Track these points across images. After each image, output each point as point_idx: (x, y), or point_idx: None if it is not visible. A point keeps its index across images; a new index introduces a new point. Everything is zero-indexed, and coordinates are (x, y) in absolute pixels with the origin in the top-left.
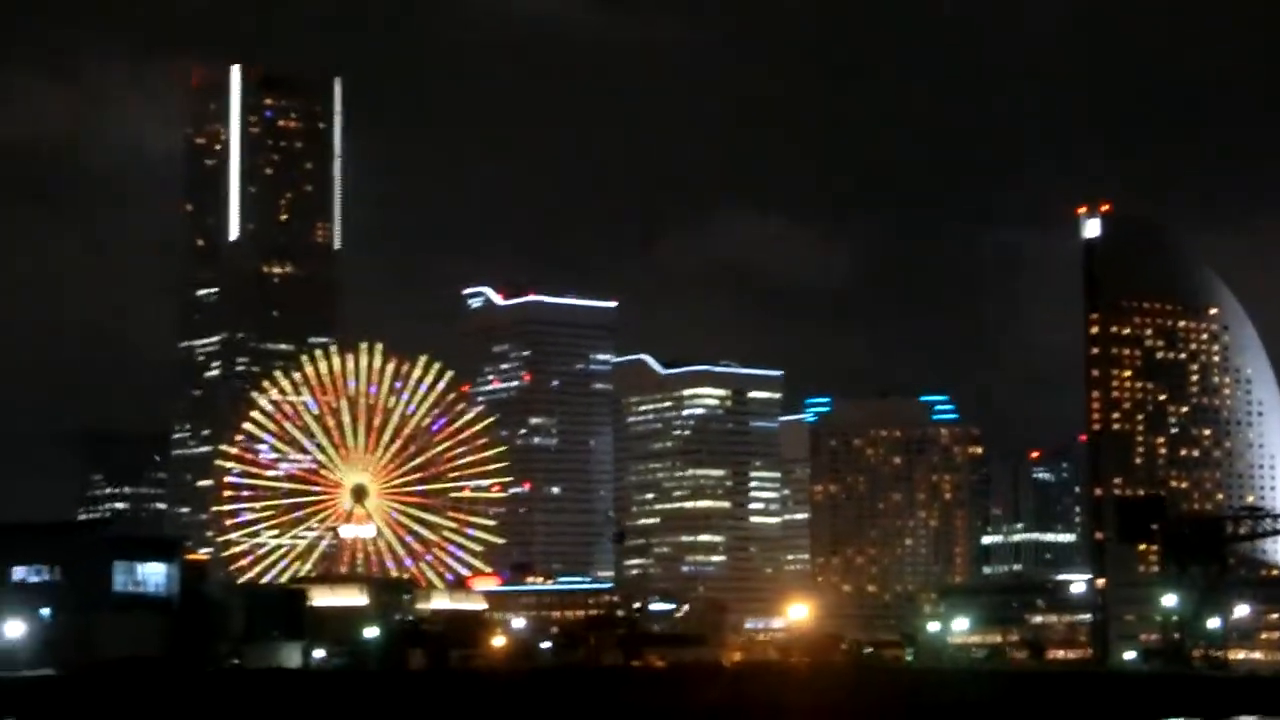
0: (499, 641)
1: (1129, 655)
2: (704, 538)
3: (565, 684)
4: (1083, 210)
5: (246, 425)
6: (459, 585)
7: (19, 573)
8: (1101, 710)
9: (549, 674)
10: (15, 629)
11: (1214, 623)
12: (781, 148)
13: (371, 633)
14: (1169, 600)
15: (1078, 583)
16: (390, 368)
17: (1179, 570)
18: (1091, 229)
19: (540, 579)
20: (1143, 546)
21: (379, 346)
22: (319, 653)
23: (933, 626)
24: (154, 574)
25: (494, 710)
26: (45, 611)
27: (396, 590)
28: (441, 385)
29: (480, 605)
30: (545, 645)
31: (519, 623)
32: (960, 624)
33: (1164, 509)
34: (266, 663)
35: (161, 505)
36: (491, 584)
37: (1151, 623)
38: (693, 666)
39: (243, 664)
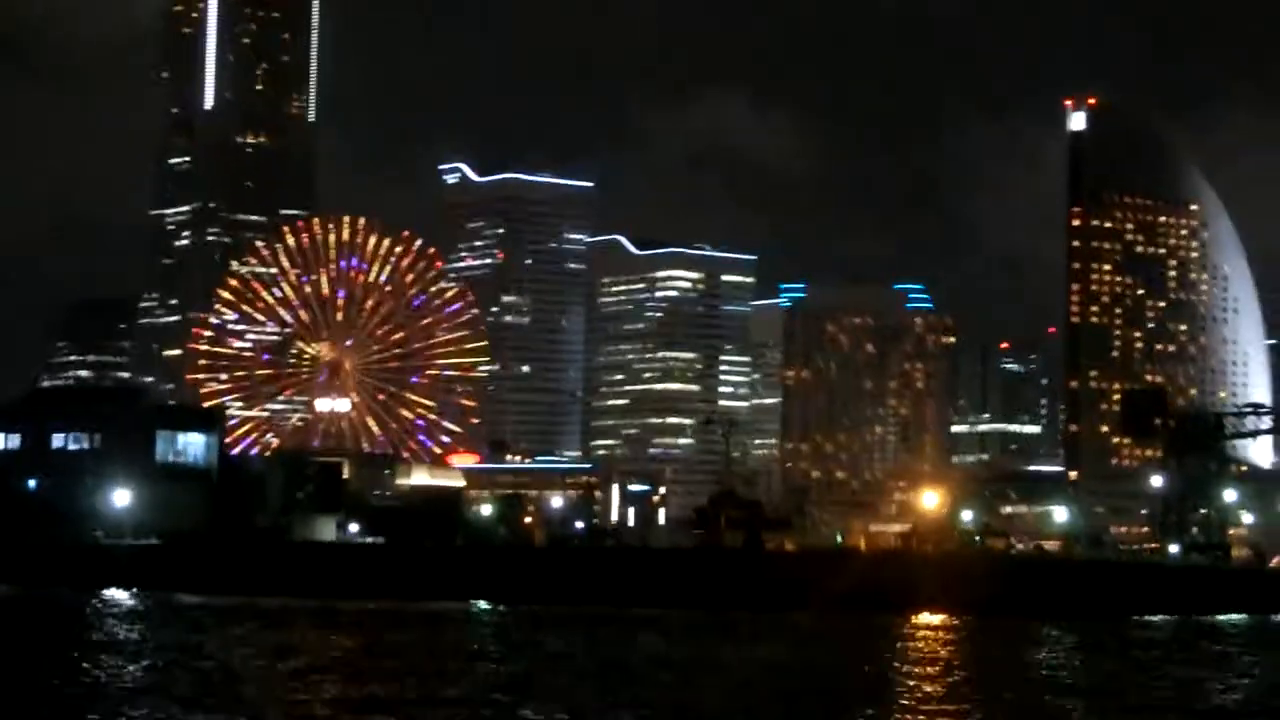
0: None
1: (1173, 549)
2: (672, 420)
3: (723, 563)
4: (1068, 103)
5: (221, 294)
6: (438, 462)
7: (58, 440)
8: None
9: (693, 553)
10: (123, 498)
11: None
12: (765, 31)
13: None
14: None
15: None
16: (371, 242)
17: (1177, 463)
18: (1077, 122)
19: (518, 458)
20: (1115, 440)
21: (360, 221)
22: (353, 526)
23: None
24: (194, 444)
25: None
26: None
27: (377, 465)
28: (421, 262)
29: (460, 482)
30: (579, 525)
31: (557, 501)
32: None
33: (1166, 402)
34: (304, 536)
35: (126, 374)
36: (470, 461)
37: (1126, 515)
38: (826, 552)
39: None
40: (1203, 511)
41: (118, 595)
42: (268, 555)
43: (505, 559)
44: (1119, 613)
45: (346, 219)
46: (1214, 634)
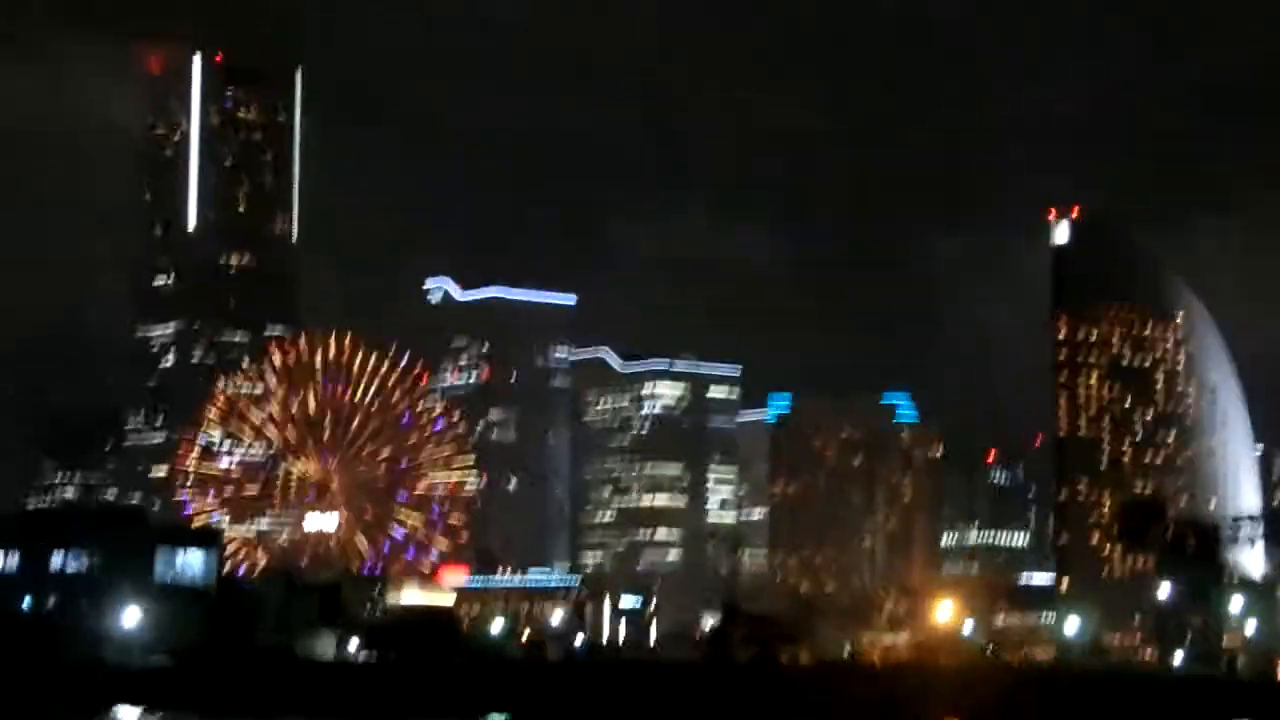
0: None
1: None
2: (660, 534)
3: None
4: (1052, 215)
5: (208, 414)
6: (428, 578)
7: (57, 559)
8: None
9: (711, 668)
10: (133, 617)
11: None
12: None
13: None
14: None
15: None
16: (357, 360)
17: (1174, 572)
18: (1060, 234)
19: (507, 572)
20: (1105, 552)
21: (346, 338)
22: (353, 643)
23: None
24: (192, 563)
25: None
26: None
27: (369, 584)
28: (407, 379)
29: (451, 599)
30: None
31: (555, 616)
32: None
33: (1164, 512)
34: (303, 653)
35: (112, 493)
36: (460, 577)
37: (1116, 624)
38: (840, 665)
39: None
40: (1197, 620)
41: (127, 715)
42: (279, 674)
43: (522, 674)
44: None
45: (333, 337)
46: None
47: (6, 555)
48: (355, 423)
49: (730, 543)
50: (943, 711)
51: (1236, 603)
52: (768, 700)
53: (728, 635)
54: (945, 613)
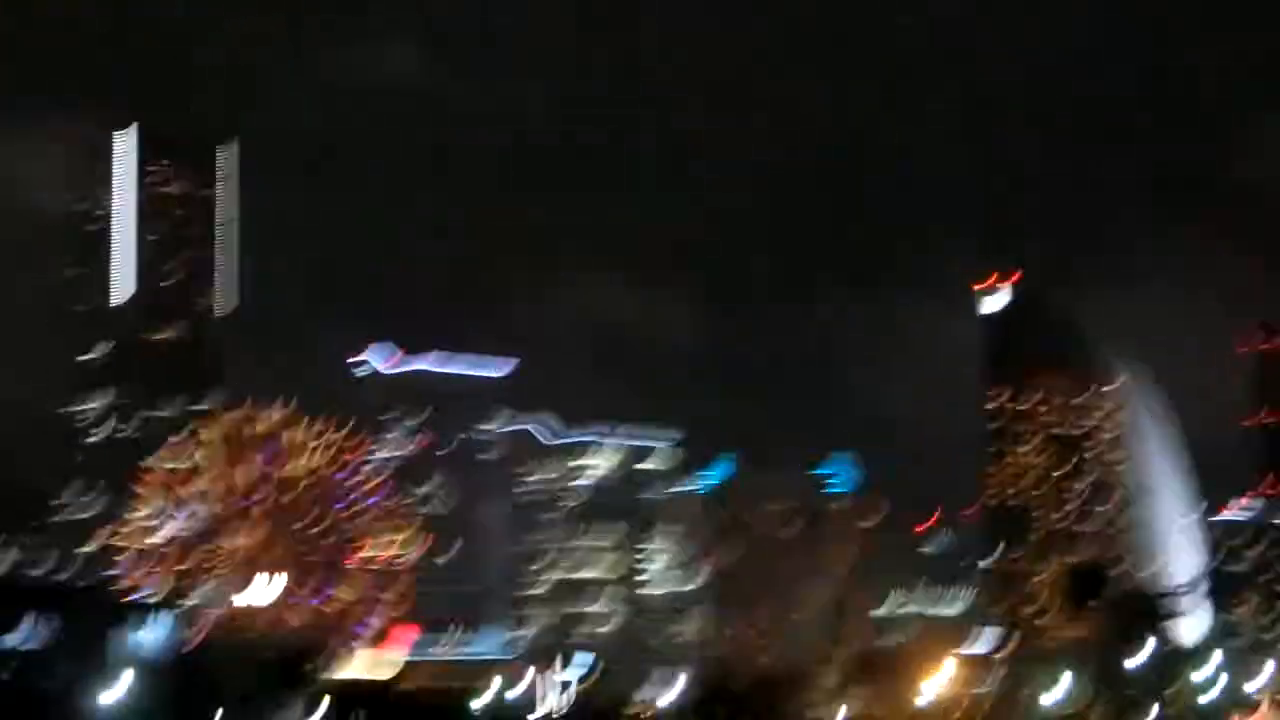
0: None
1: None
2: (594, 607)
3: None
4: (982, 286)
5: (139, 489)
6: (368, 652)
7: (11, 637)
8: None
9: None
10: (114, 695)
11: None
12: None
13: None
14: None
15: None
16: (289, 433)
17: (1121, 640)
18: (989, 303)
19: (446, 647)
20: (1038, 622)
21: (278, 412)
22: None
23: None
24: (151, 637)
25: None
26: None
27: (309, 656)
28: (342, 453)
29: (392, 672)
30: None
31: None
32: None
33: (1105, 579)
34: None
35: (43, 568)
36: (401, 650)
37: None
38: None
39: None
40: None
41: None
42: None
43: None
44: None
45: (268, 411)
46: None
47: None
48: (291, 494)
49: (667, 613)
50: None
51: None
52: None
53: (714, 711)
54: (945, 677)
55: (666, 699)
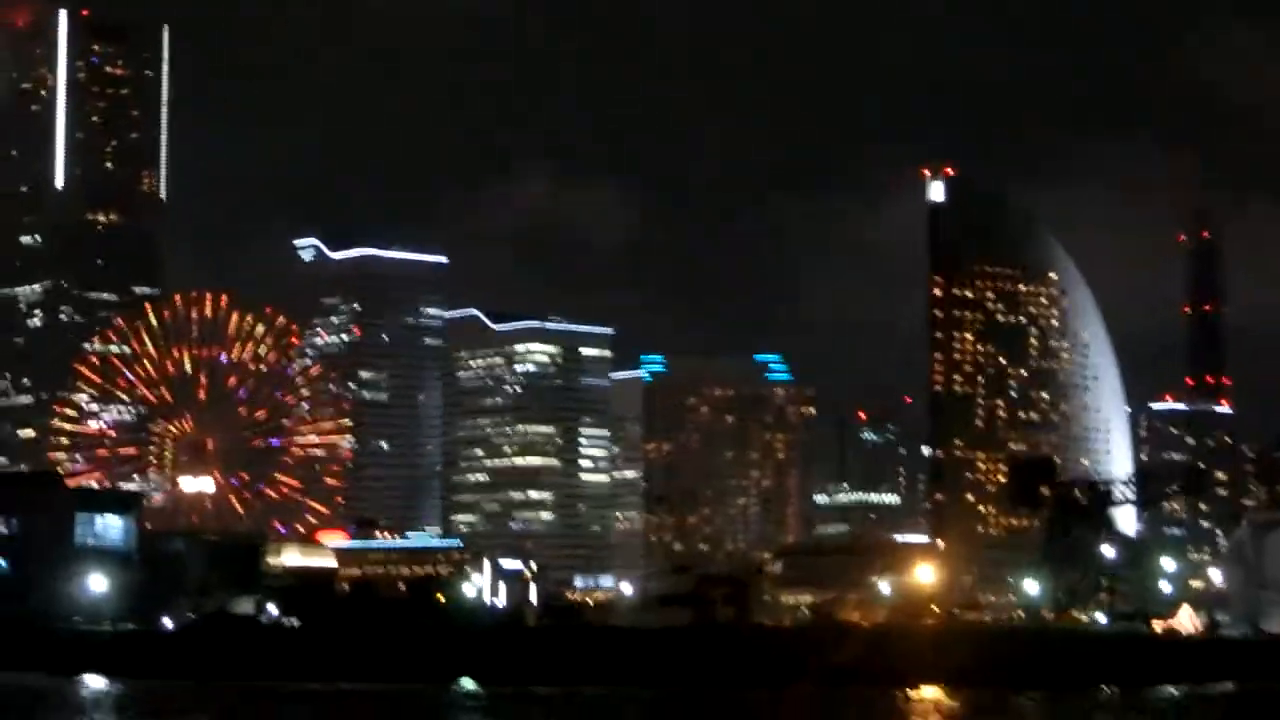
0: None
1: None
2: (533, 494)
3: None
4: (926, 174)
5: (80, 372)
6: (307, 540)
7: None
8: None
9: (691, 631)
10: (99, 583)
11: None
12: (607, 105)
13: None
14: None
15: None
16: (231, 320)
17: (1064, 533)
18: (935, 191)
19: (386, 535)
20: (981, 509)
21: (220, 298)
22: (271, 607)
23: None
24: (113, 527)
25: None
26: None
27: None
28: (280, 339)
29: (331, 561)
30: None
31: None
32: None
33: (1054, 471)
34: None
35: None
36: (339, 539)
37: (992, 583)
38: (822, 626)
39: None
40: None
41: (96, 682)
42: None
43: (501, 639)
44: (1104, 683)
45: (208, 296)
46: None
47: None
48: (228, 383)
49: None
50: (911, 672)
51: (1174, 563)
52: (745, 662)
53: (708, 597)
54: (926, 575)
55: (627, 591)
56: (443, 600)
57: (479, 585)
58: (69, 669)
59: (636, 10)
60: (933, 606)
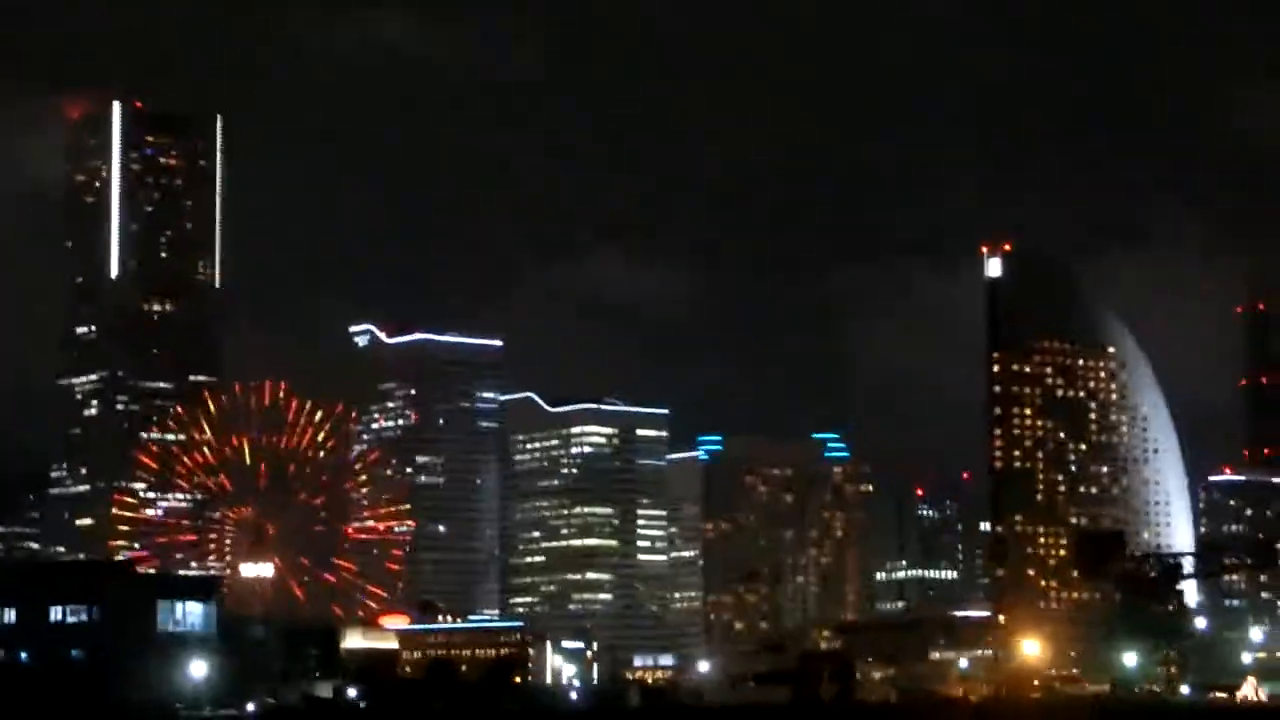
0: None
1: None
2: (591, 575)
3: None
4: (984, 249)
5: (140, 461)
6: (368, 624)
7: (56, 612)
8: None
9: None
10: (185, 670)
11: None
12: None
13: None
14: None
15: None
16: (286, 406)
17: (1136, 607)
18: (993, 267)
19: (447, 618)
20: (1043, 583)
21: (276, 386)
22: (351, 691)
23: None
24: (193, 613)
25: None
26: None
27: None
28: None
29: (393, 644)
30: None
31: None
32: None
33: (1124, 545)
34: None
35: (35, 545)
36: (401, 622)
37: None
38: (931, 699)
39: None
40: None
41: None
42: None
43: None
44: None
45: (266, 384)
46: None
47: (3, 609)
48: (287, 470)
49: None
50: None
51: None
52: None
53: (812, 673)
54: (1033, 649)
55: (703, 669)
56: (518, 681)
57: (555, 667)
58: None
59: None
60: (1033, 680)
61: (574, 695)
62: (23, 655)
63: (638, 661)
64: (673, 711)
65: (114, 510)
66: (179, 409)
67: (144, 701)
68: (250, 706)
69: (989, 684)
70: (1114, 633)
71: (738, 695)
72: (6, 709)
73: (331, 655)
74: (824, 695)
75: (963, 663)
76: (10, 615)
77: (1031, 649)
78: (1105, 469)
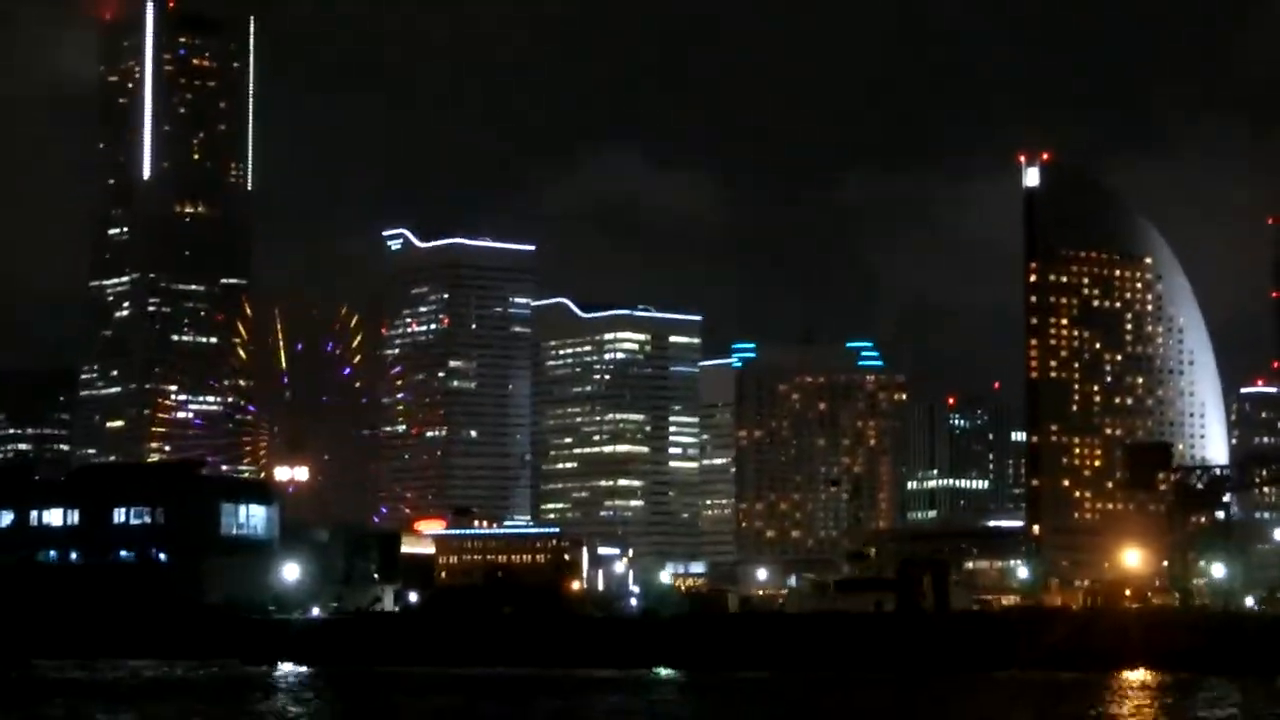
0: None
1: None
2: (622, 482)
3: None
4: (1022, 158)
5: (171, 364)
6: (406, 529)
7: (119, 514)
8: None
9: (894, 617)
10: (293, 572)
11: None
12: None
13: None
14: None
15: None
16: (318, 311)
17: (1183, 519)
18: (1031, 177)
19: (483, 523)
20: (1076, 494)
21: (307, 290)
22: (412, 596)
23: None
24: (256, 516)
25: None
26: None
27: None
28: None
29: (430, 549)
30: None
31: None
32: None
33: (1170, 457)
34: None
35: (65, 446)
36: (437, 527)
37: (1089, 567)
38: (1031, 610)
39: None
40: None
41: (293, 670)
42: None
43: (697, 627)
44: None
45: (297, 288)
46: None
47: (66, 512)
48: (320, 374)
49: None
50: (1121, 656)
51: None
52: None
53: (917, 583)
54: (1134, 559)
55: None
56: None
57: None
58: (264, 657)
59: None
60: (1127, 591)
61: (633, 602)
62: (81, 557)
63: (669, 569)
64: (772, 620)
65: (146, 412)
66: (213, 313)
67: (227, 601)
68: (315, 610)
69: (1084, 594)
70: (1192, 545)
71: (824, 604)
72: (90, 608)
73: (392, 560)
74: (924, 604)
75: (1022, 572)
76: (74, 517)
77: (1132, 559)
78: (1141, 380)
